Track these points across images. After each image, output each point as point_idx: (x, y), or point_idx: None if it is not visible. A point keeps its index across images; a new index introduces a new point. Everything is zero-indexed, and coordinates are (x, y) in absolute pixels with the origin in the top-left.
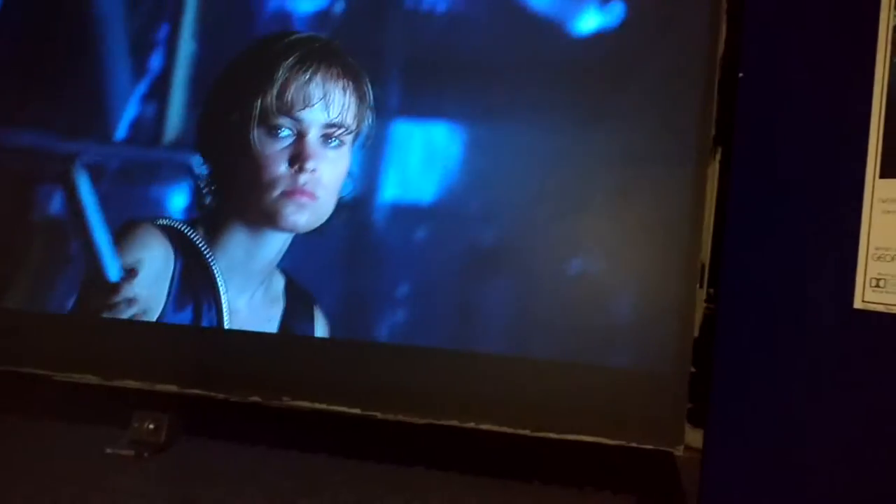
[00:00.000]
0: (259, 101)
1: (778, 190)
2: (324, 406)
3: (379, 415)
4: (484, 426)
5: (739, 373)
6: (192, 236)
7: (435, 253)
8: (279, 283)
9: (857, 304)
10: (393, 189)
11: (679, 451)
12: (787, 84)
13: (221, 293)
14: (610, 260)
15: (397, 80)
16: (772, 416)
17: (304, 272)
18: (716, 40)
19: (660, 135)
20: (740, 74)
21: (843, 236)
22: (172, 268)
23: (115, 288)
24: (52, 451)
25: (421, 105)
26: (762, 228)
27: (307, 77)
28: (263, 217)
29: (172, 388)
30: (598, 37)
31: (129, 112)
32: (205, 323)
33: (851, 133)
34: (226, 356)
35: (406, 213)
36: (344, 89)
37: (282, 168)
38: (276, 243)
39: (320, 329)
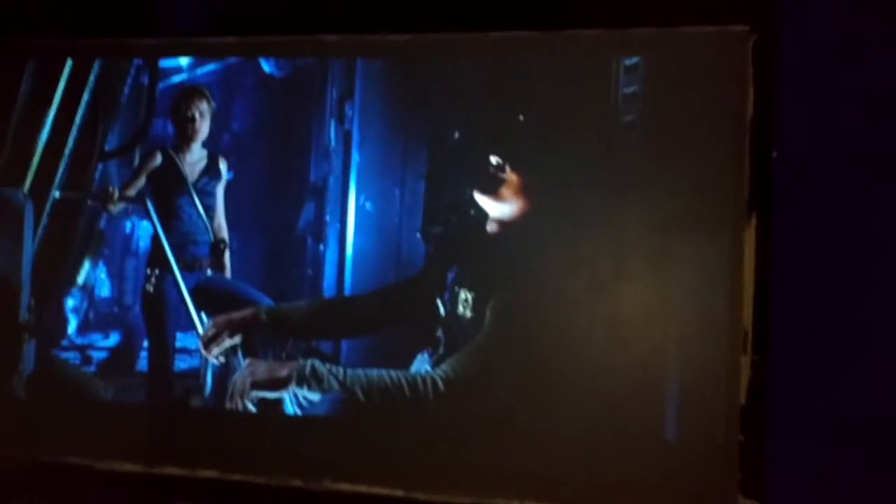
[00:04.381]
0: None
1: (820, 252)
2: (365, 488)
3: (422, 496)
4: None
5: (796, 440)
6: None
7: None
8: None
9: None
10: None
11: None
12: (823, 152)
13: None
14: (649, 329)
15: None
16: (833, 484)
17: None
18: (744, 105)
19: (694, 200)
20: (774, 154)
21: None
22: None
23: None
24: None
25: None
26: (807, 292)
27: None
28: None
29: (213, 473)
30: (630, 105)
31: None
32: None
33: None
34: (265, 440)
35: None
36: None
37: None
38: None
39: None
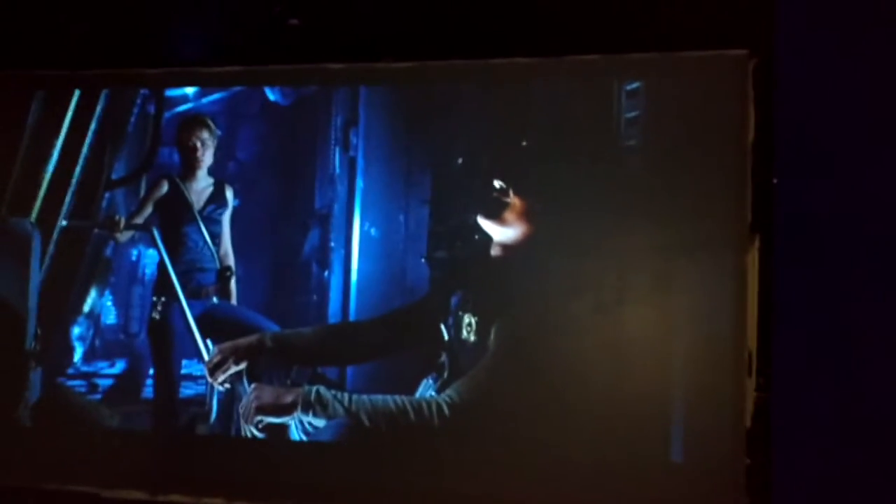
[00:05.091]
0: None
1: (823, 274)
2: None
3: None
4: None
5: (801, 461)
6: None
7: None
8: None
9: None
10: None
11: None
12: (824, 174)
13: None
14: (654, 352)
15: None
16: None
17: None
18: (745, 128)
19: (697, 223)
20: (775, 181)
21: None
22: None
23: None
24: None
25: None
26: (810, 314)
27: None
28: None
29: (219, 500)
30: (632, 129)
31: None
32: None
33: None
34: (271, 466)
35: None
36: None
37: None
38: None
39: None
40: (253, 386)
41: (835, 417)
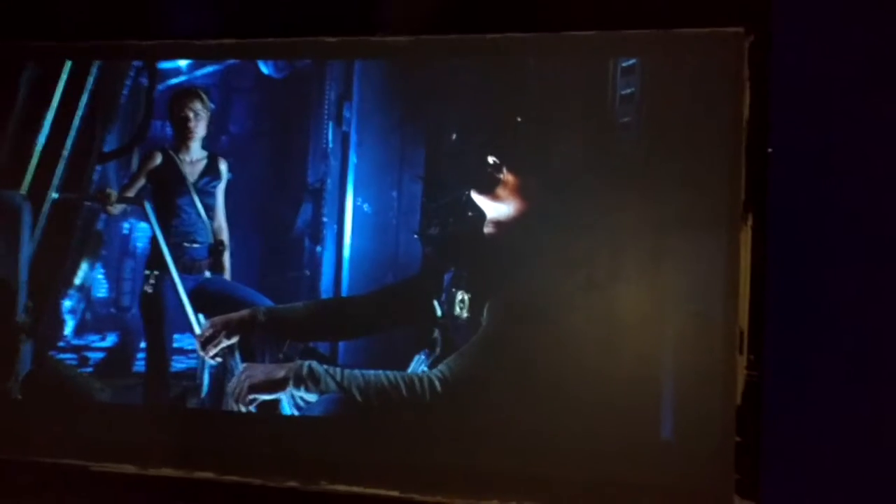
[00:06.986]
0: None
1: (816, 253)
2: (361, 489)
3: (418, 497)
4: None
5: (790, 441)
6: None
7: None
8: None
9: None
10: None
11: None
12: (818, 152)
13: None
14: (645, 329)
15: None
16: (828, 484)
17: None
18: (740, 106)
19: (690, 201)
20: (769, 150)
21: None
22: None
23: None
24: None
25: None
26: (803, 292)
27: None
28: None
29: (209, 474)
30: (627, 106)
31: None
32: None
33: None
34: (262, 440)
35: None
36: None
37: None
38: None
39: None
40: (243, 366)
41: (825, 396)
